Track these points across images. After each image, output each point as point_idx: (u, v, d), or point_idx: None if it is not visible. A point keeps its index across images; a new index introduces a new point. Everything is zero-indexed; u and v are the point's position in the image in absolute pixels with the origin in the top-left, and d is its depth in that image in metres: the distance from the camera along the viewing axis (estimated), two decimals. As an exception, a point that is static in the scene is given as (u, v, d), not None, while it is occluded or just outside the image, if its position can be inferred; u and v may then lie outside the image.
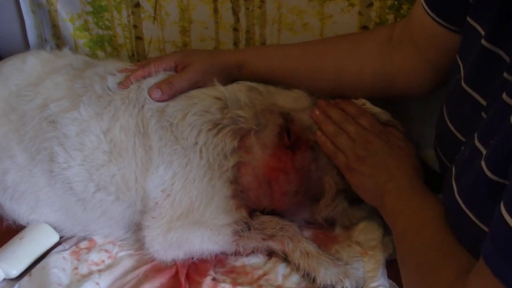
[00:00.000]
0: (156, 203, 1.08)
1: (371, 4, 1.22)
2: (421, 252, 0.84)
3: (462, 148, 0.84)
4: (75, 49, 1.46)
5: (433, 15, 0.99)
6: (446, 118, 0.92)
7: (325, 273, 0.99)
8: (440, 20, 0.98)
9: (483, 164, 0.70)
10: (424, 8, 1.01)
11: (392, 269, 1.03)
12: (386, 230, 1.10)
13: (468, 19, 0.88)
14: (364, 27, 1.24)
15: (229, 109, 1.10)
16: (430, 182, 1.06)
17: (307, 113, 1.12)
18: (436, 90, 1.12)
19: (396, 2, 1.20)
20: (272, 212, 1.10)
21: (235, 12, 1.32)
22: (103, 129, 1.11)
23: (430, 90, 1.12)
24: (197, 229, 1.05)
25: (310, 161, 1.10)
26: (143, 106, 1.12)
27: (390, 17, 1.21)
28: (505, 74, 0.74)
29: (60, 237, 1.14)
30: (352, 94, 1.15)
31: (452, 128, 0.90)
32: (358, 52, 1.14)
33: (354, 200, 1.10)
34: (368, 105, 1.12)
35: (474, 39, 0.85)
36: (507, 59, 0.76)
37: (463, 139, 0.86)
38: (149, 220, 1.07)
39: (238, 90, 1.14)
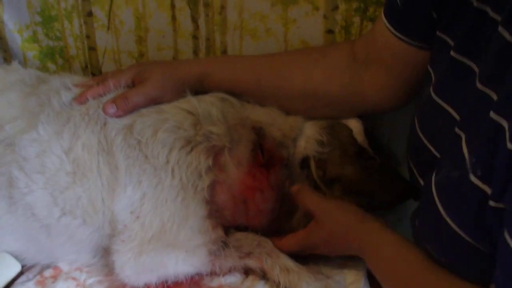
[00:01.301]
0: (125, 226, 1.05)
1: (336, 7, 1.22)
2: None
3: (442, 159, 0.84)
4: (24, 62, 1.43)
5: (398, 34, 1.01)
6: (418, 131, 0.93)
7: None
8: (406, 38, 1.01)
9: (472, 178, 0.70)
10: (387, 28, 1.02)
11: (374, 278, 1.02)
12: None
13: (438, 32, 0.91)
14: (329, 31, 1.24)
15: (202, 125, 1.09)
16: (404, 192, 1.09)
17: (279, 129, 1.12)
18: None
19: (362, 5, 1.20)
20: (246, 229, 1.09)
21: (194, 19, 1.31)
22: (64, 148, 1.07)
23: (402, 104, 1.14)
24: (170, 252, 1.03)
25: (284, 178, 1.10)
26: (105, 124, 1.09)
27: (356, 19, 1.22)
28: (477, 84, 0.75)
29: (22, 266, 1.10)
30: (321, 108, 1.15)
31: (425, 141, 0.91)
32: (324, 63, 1.15)
33: None
34: (356, 131, 1.13)
35: (443, 51, 0.88)
36: (476, 69, 0.78)
37: (436, 152, 0.87)
38: (118, 244, 1.04)
39: (210, 103, 1.12)
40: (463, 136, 0.76)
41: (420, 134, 0.92)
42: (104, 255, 1.08)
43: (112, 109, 1.09)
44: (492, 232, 0.67)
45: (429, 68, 0.94)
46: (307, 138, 1.13)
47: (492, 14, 0.77)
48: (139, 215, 1.04)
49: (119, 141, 1.07)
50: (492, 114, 0.69)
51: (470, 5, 0.82)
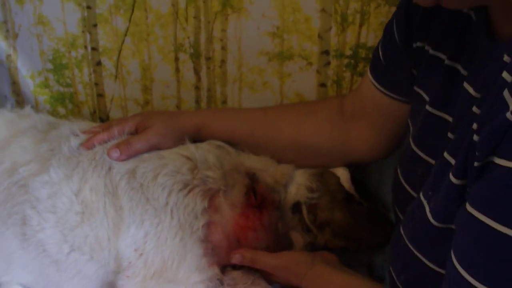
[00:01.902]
0: (130, 262, 1.08)
1: (328, 63, 1.27)
2: None
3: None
4: (35, 105, 1.47)
5: (381, 88, 1.07)
6: (401, 178, 0.97)
7: None
8: (387, 92, 1.07)
9: (428, 215, 0.77)
10: (373, 83, 1.09)
11: None
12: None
13: (415, 87, 0.96)
14: (322, 85, 1.30)
15: (199, 170, 1.13)
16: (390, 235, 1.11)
17: (271, 175, 1.18)
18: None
19: (352, 61, 1.26)
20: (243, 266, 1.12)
21: (197, 71, 1.36)
22: (74, 190, 1.12)
23: (386, 154, 1.19)
24: None
25: (276, 220, 1.15)
26: (110, 168, 1.14)
27: (347, 74, 1.28)
28: (449, 134, 0.81)
29: None
30: (310, 158, 1.21)
31: (407, 187, 0.95)
32: (314, 116, 1.21)
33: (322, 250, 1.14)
34: (343, 179, 1.18)
35: (420, 105, 0.92)
36: (451, 120, 0.83)
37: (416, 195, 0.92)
38: (123, 279, 1.07)
39: (207, 150, 1.17)
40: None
41: (403, 182, 0.96)
42: None
43: (116, 154, 1.14)
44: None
45: (408, 120, 0.99)
46: (298, 185, 1.17)
47: (462, 71, 0.82)
48: (142, 252, 1.07)
49: (123, 184, 1.12)
50: (445, 154, 0.77)
51: (442, 62, 0.87)
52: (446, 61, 0.86)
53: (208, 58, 1.34)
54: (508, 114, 0.61)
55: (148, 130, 1.19)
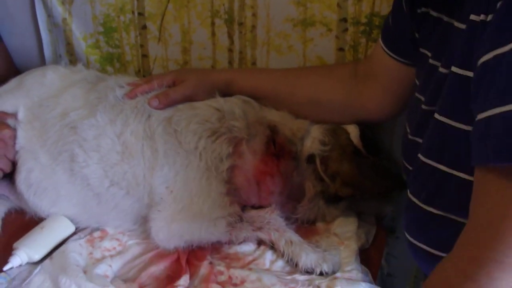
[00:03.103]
0: (161, 198, 1.17)
1: (346, 29, 1.33)
2: None
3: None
4: (87, 64, 1.56)
5: (390, 53, 1.15)
6: (409, 134, 1.02)
7: (306, 258, 1.10)
8: (395, 56, 1.14)
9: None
10: (383, 48, 1.16)
11: (364, 256, 1.17)
12: (360, 224, 1.24)
13: (421, 49, 1.03)
14: (341, 49, 1.36)
15: (226, 120, 1.22)
16: (391, 185, 1.20)
17: (290, 128, 1.25)
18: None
19: (367, 28, 1.32)
20: (260, 207, 1.21)
21: (230, 35, 1.43)
22: (116, 133, 1.22)
23: (394, 115, 1.27)
24: (196, 221, 1.15)
25: (292, 168, 1.22)
26: (149, 116, 1.23)
27: (363, 40, 1.33)
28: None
29: (76, 228, 1.22)
30: (325, 114, 1.28)
31: (418, 140, 0.99)
32: (330, 77, 1.29)
33: (331, 200, 1.23)
34: (353, 135, 1.24)
35: (424, 62, 0.99)
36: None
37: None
38: (155, 213, 1.17)
39: (234, 103, 1.26)
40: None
41: (408, 129, 1.03)
42: (143, 223, 1.21)
43: (155, 103, 1.25)
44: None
45: (416, 80, 1.06)
46: (313, 138, 1.24)
47: (456, 23, 0.88)
48: (172, 189, 1.17)
49: (160, 130, 1.21)
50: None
51: (441, 20, 0.95)
52: (445, 18, 0.94)
53: (241, 24, 1.42)
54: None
55: (184, 84, 1.29)
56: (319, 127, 1.27)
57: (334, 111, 1.28)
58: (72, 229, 1.22)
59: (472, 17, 0.79)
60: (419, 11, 1.02)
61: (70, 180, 1.23)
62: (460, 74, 0.80)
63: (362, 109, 1.27)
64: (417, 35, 1.05)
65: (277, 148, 1.22)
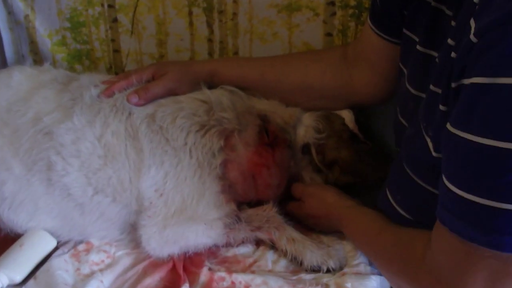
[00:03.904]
0: (151, 203, 1.12)
1: (334, 13, 1.32)
2: (390, 247, 0.96)
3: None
4: (53, 63, 1.51)
5: (378, 32, 1.13)
6: (398, 115, 1.04)
7: (311, 255, 1.08)
8: (383, 35, 1.12)
9: (430, 145, 0.83)
10: (371, 28, 1.14)
11: None
12: None
13: (404, 30, 1.01)
14: (329, 34, 1.34)
15: (214, 111, 1.18)
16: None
17: (281, 117, 1.22)
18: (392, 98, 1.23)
19: (356, 11, 1.31)
20: (258, 204, 1.17)
21: (209, 25, 1.40)
22: (96, 135, 1.16)
23: (386, 97, 1.25)
24: (191, 225, 1.11)
25: (288, 158, 1.19)
26: (130, 113, 1.18)
27: (352, 24, 1.32)
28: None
29: (57, 242, 1.16)
30: (316, 100, 1.26)
31: (403, 121, 1.02)
32: (320, 61, 1.26)
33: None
34: (348, 120, 1.22)
35: (410, 47, 0.98)
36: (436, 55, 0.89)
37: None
38: (145, 219, 1.12)
39: (221, 94, 1.22)
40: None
41: (400, 117, 1.03)
42: (131, 231, 1.16)
43: (135, 99, 1.19)
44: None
45: (400, 65, 1.05)
46: (306, 127, 1.22)
47: (447, 11, 0.88)
48: (162, 192, 1.12)
49: (143, 128, 1.16)
50: (431, 87, 0.83)
51: (428, 4, 0.92)
52: (433, 3, 0.92)
53: (221, 11, 1.38)
54: (471, 36, 0.67)
55: (165, 76, 1.24)
56: (311, 114, 1.25)
57: (326, 97, 1.26)
58: (53, 243, 1.17)
59: None
60: None
61: (48, 190, 1.17)
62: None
63: (354, 93, 1.25)
64: (405, 12, 1.03)
65: (271, 137, 1.18)
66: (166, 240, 1.11)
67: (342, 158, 1.19)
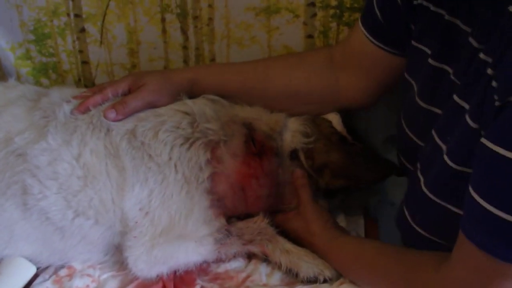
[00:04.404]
0: (136, 222, 1.09)
1: (314, 15, 1.30)
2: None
3: (424, 146, 0.94)
4: (17, 78, 1.45)
5: (376, 42, 1.11)
6: (406, 128, 1.02)
7: (307, 266, 1.06)
8: (383, 46, 1.11)
9: (445, 157, 0.81)
10: (366, 36, 1.12)
11: None
12: (348, 221, 1.21)
13: (413, 43, 1.00)
14: (309, 36, 1.32)
15: (198, 123, 1.15)
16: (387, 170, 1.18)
17: (266, 123, 1.20)
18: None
19: (337, 11, 1.29)
20: (248, 216, 1.15)
21: (184, 31, 1.36)
22: (74, 155, 1.12)
23: (374, 101, 1.24)
24: (180, 243, 1.08)
25: (277, 166, 1.17)
26: (108, 130, 1.14)
27: (333, 25, 1.30)
28: (453, 78, 0.86)
29: (37, 269, 1.13)
30: (302, 106, 1.24)
31: (411, 136, 1.00)
32: (304, 65, 1.24)
33: (324, 196, 1.19)
34: (335, 122, 1.21)
35: (421, 59, 0.96)
36: (451, 71, 0.88)
37: (421, 143, 0.97)
38: (130, 240, 1.09)
39: (204, 104, 1.19)
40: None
41: (408, 132, 1.02)
42: (115, 253, 1.13)
43: (112, 114, 1.14)
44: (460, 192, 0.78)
45: (407, 76, 1.03)
46: (293, 132, 1.20)
47: (463, 26, 0.86)
48: (148, 211, 1.09)
49: (124, 144, 1.12)
50: (455, 97, 0.82)
51: (442, 17, 0.91)
52: (446, 17, 0.90)
53: (195, 17, 1.34)
54: None
55: (142, 88, 1.19)
56: (297, 118, 1.23)
57: (312, 101, 1.24)
58: (33, 270, 1.13)
59: None
60: (415, 2, 0.99)
61: (25, 215, 1.12)
62: None
63: (340, 97, 1.23)
64: (412, 26, 1.01)
65: (257, 146, 1.16)
66: (154, 261, 1.08)
67: (333, 161, 1.16)
